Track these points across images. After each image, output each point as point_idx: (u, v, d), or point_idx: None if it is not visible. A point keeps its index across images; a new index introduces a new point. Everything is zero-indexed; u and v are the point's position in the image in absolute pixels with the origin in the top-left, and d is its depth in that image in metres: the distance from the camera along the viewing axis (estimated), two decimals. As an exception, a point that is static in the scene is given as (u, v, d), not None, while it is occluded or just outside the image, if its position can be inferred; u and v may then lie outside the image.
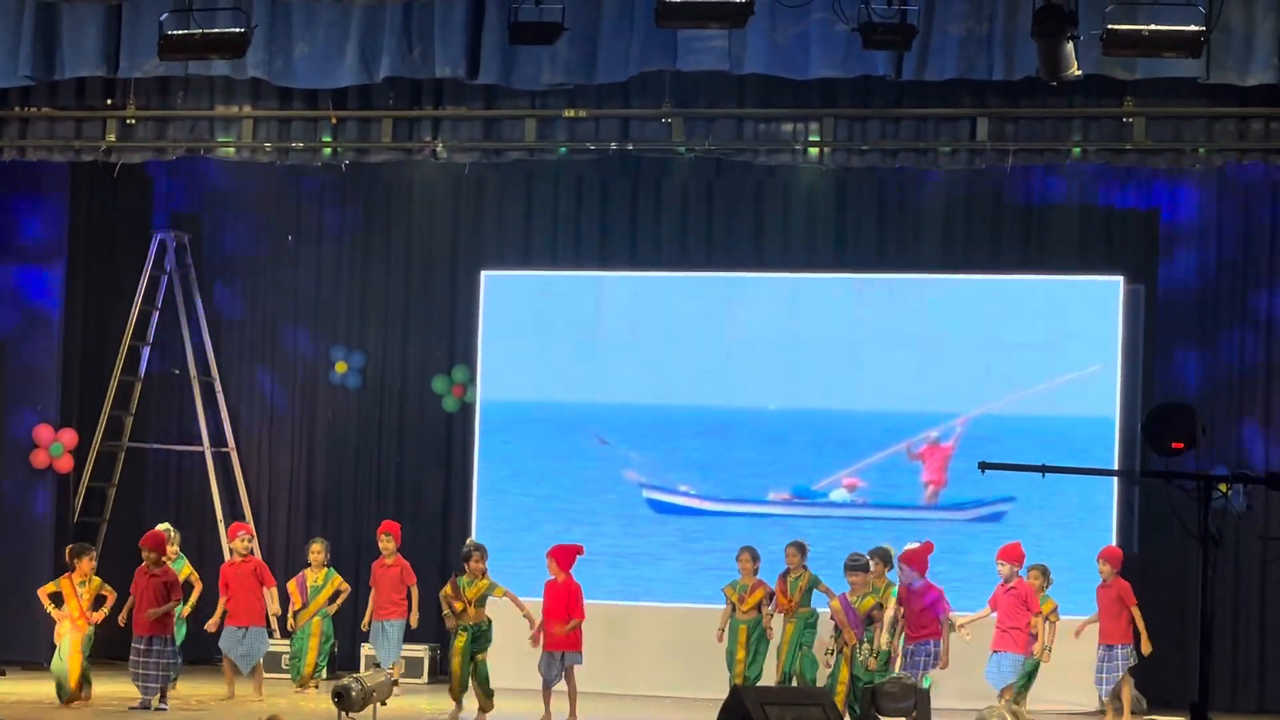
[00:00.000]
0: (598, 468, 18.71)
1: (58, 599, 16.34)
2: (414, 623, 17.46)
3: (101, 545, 18.84)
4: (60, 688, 16.08)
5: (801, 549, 16.56)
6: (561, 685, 16.08)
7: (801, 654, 16.27)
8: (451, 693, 16.03)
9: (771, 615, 16.49)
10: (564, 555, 16.18)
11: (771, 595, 16.49)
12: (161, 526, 17.15)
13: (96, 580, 16.32)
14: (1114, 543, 17.33)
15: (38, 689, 16.86)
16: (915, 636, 16.00)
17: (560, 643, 16.04)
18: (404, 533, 17.86)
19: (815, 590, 16.42)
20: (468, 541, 16.95)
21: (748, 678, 16.39)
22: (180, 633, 16.70)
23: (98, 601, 16.25)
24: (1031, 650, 16.14)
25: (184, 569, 17.12)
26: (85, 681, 16.18)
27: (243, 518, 19.72)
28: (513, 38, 14.78)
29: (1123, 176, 18.21)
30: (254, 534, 17.97)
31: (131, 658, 16.07)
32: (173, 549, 17.03)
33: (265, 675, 17.48)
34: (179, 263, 19.92)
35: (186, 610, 16.89)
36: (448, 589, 16.07)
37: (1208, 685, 9.87)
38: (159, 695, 15.98)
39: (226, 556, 18.06)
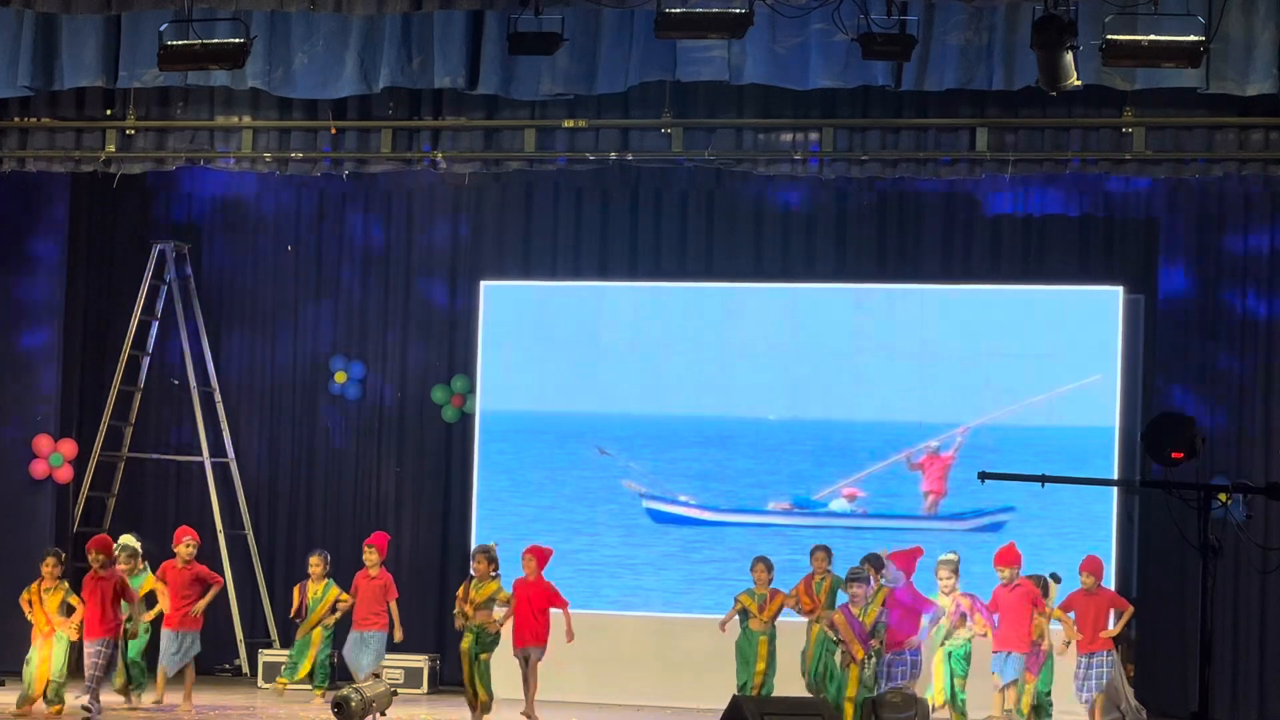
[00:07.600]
0: (598, 478, 18.70)
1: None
2: (398, 636, 17.12)
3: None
4: (22, 694, 16.01)
5: (828, 553, 16.63)
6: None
7: (826, 658, 16.18)
8: (468, 700, 16.03)
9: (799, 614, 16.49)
10: (544, 555, 16.30)
11: (795, 600, 16.48)
12: (125, 538, 17.06)
13: (64, 586, 16.17)
14: (1114, 552, 17.35)
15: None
16: (893, 645, 15.91)
17: (531, 639, 16.17)
18: (403, 544, 17.77)
19: (840, 591, 16.43)
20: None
21: (763, 689, 16.35)
22: (141, 641, 16.60)
23: (66, 610, 16.04)
24: (1030, 648, 16.14)
25: (145, 582, 16.91)
26: (56, 696, 15.95)
27: (242, 528, 19.72)
28: (512, 48, 14.77)
29: (1122, 186, 18.21)
30: (199, 541, 17.71)
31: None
32: (138, 562, 16.91)
33: (262, 686, 17.33)
34: (178, 273, 19.92)
35: (150, 615, 16.77)
36: (461, 590, 16.12)
37: (1208, 696, 9.87)
38: (90, 696, 15.70)
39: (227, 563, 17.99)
